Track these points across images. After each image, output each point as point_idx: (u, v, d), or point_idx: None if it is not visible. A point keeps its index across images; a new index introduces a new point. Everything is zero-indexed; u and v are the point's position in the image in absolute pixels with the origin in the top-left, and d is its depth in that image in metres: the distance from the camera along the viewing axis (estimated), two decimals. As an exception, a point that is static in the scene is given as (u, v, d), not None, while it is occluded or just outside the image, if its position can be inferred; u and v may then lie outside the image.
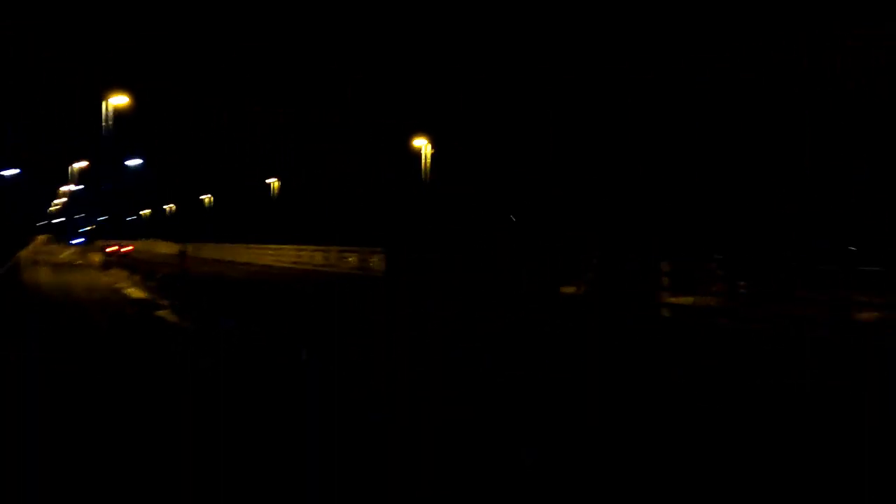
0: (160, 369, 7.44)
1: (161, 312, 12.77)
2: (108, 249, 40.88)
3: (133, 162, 63.36)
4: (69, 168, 75.14)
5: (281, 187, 57.36)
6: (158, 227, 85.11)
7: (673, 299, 12.23)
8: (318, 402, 5.82)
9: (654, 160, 27.67)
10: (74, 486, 3.89)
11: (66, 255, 42.31)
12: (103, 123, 29.99)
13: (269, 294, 16.78)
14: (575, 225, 27.26)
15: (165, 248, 52.08)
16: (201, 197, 75.76)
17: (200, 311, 12.57)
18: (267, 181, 61.12)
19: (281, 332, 8.52)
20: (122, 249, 41.48)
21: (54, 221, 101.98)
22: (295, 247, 30.49)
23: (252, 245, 37.16)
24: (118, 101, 29.84)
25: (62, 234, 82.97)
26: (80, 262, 34.59)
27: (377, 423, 5.11)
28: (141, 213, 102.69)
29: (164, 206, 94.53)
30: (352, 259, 25.81)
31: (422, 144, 38.08)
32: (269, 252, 32.84)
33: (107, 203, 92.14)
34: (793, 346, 9.08)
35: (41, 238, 68.40)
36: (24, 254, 29.88)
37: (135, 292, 16.76)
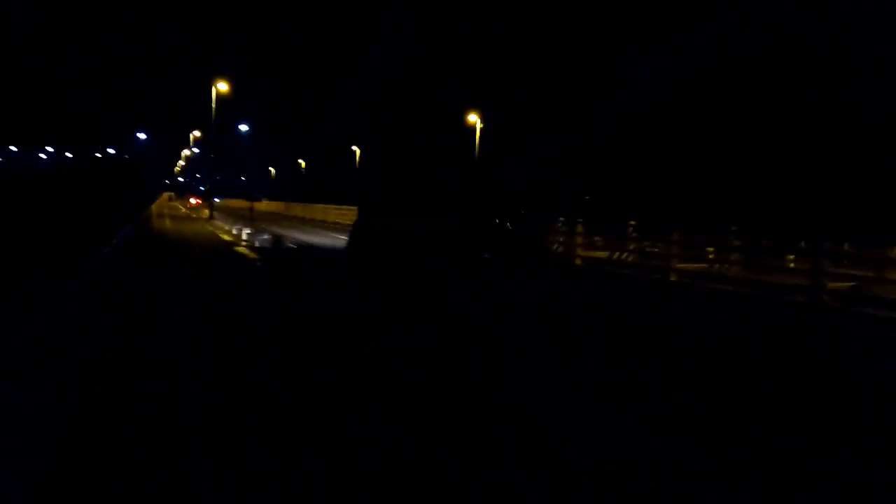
0: (234, 277, 13.98)
1: (238, 248, 19.54)
2: (191, 200, 56.96)
3: (243, 127, 72.83)
4: (189, 135, 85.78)
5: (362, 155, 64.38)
6: (264, 188, 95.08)
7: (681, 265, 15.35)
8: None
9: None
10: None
11: (184, 210, 51.62)
12: (213, 105, 37.65)
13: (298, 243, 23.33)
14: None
15: (264, 206, 60.77)
16: (298, 161, 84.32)
17: (261, 249, 19.17)
18: (353, 148, 68.36)
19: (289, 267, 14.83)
20: (197, 201, 56.81)
21: (179, 180, 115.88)
22: (352, 207, 37.21)
23: (329, 206, 44.36)
24: (222, 86, 37.41)
25: (184, 192, 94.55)
26: (194, 215, 43.25)
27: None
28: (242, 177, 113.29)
29: (269, 169, 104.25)
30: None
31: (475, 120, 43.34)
32: (335, 212, 39.89)
33: (220, 165, 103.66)
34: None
35: (166, 195, 79.50)
36: (153, 208, 38.47)
37: (225, 236, 23.86)
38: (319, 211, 44.36)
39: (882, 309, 10.83)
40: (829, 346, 8.92)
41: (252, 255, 17.72)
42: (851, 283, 11.89)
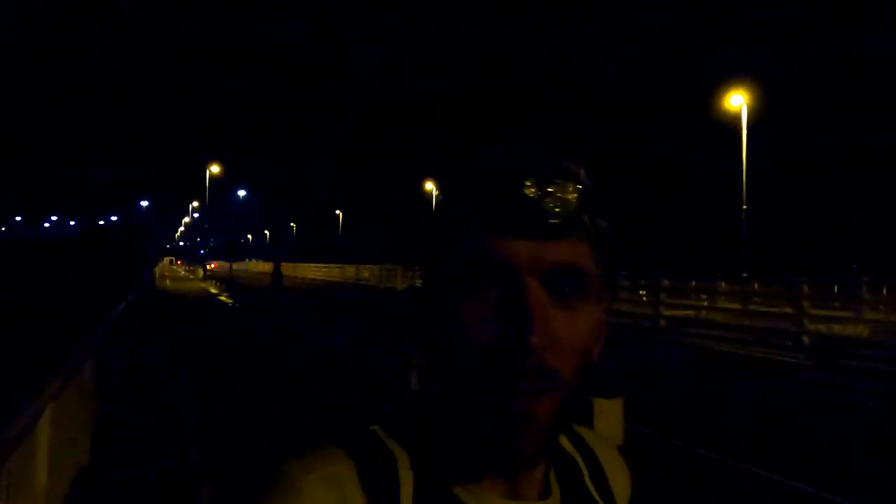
0: (215, 314, 20.51)
1: (221, 297, 26.06)
2: (176, 263, 66.73)
3: (240, 192, 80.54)
4: (188, 205, 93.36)
5: (344, 218, 71.55)
6: (256, 250, 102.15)
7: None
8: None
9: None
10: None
11: (183, 272, 58.39)
12: (206, 184, 44.78)
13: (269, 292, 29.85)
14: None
15: (255, 266, 67.55)
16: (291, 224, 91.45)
17: (238, 297, 25.70)
18: (336, 213, 75.60)
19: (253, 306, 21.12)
20: (179, 262, 65.61)
21: (179, 245, 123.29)
22: (324, 265, 43.87)
23: (309, 264, 51.05)
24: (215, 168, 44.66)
25: (183, 257, 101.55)
26: (191, 276, 49.93)
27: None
28: (247, 237, 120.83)
29: (265, 232, 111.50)
30: (351, 272, 38.75)
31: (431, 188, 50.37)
32: (312, 268, 46.54)
33: (217, 231, 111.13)
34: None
35: (167, 259, 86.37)
36: (156, 270, 45.09)
37: (213, 290, 30.41)
38: (300, 269, 51.22)
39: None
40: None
41: (229, 300, 24.27)
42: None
